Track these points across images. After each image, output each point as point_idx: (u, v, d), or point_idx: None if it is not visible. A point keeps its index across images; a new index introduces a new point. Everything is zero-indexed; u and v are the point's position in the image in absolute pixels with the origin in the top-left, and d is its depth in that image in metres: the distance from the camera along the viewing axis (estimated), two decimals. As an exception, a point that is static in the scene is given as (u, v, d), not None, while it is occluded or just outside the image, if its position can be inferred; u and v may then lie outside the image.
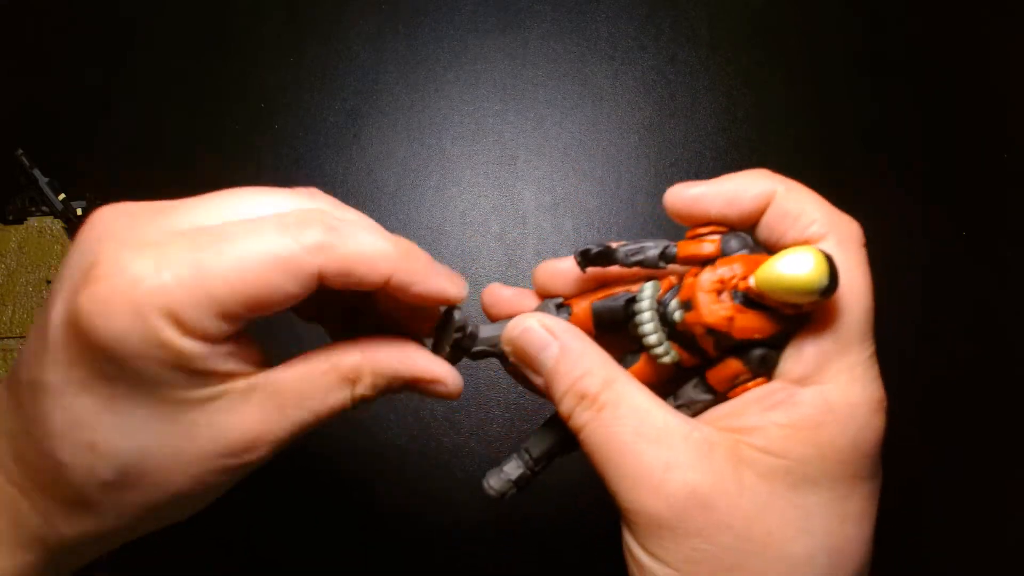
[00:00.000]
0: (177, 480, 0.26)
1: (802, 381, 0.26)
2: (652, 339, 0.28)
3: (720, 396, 0.28)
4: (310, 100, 0.58)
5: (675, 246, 0.28)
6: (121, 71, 0.59)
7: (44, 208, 0.56)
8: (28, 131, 0.57)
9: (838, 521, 0.26)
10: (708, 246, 0.27)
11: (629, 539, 0.27)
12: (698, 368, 0.28)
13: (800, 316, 0.26)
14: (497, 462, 0.32)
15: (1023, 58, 0.59)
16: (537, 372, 0.29)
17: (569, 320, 0.31)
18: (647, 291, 0.28)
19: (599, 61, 0.60)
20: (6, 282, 0.55)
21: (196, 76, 0.59)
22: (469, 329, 0.31)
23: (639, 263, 0.29)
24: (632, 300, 0.29)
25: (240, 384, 0.26)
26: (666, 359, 0.28)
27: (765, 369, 0.27)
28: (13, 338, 0.54)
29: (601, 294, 0.31)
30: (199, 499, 0.27)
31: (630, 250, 0.29)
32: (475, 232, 0.56)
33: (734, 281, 0.26)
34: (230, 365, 0.25)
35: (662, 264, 0.29)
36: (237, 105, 0.58)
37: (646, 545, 0.26)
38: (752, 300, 0.26)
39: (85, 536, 0.26)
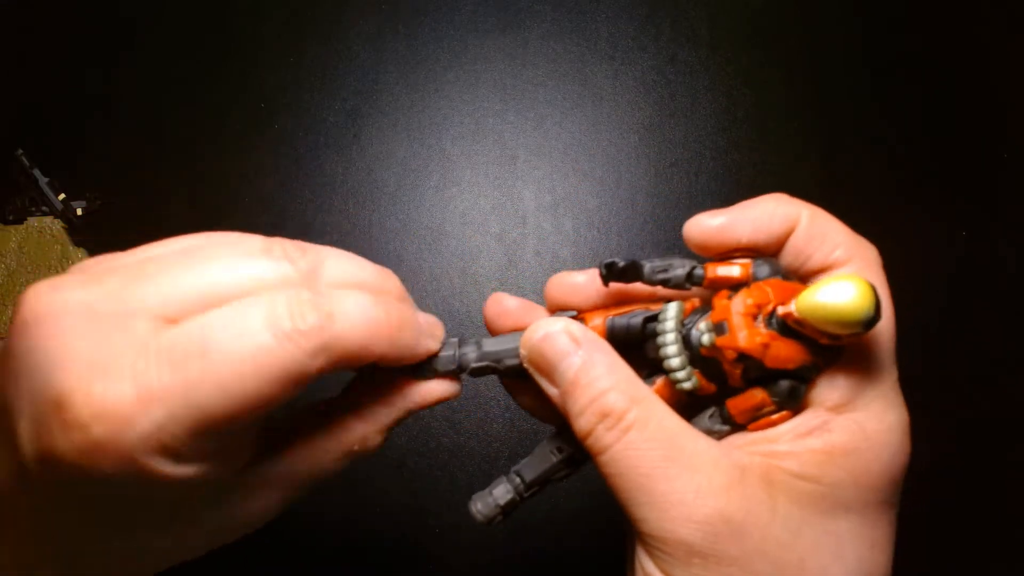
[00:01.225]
0: (174, 558, 0.26)
1: (837, 409, 0.26)
2: (675, 362, 0.26)
3: (738, 427, 0.27)
4: (310, 100, 0.58)
5: (702, 268, 0.27)
6: (121, 71, 0.59)
7: (44, 208, 0.56)
8: (28, 131, 0.57)
9: (868, 547, 0.26)
10: (737, 270, 0.26)
11: (649, 564, 0.26)
12: (714, 397, 0.27)
13: (835, 348, 0.25)
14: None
15: (1023, 58, 0.59)
16: (554, 383, 0.27)
17: None
18: (671, 311, 0.27)
19: (599, 61, 0.60)
20: (6, 282, 0.55)
21: (196, 76, 0.59)
22: (463, 352, 0.29)
23: (664, 282, 0.27)
24: (651, 319, 0.28)
25: (247, 476, 0.25)
26: (687, 385, 0.27)
27: (792, 402, 0.26)
28: (13, 338, 0.54)
29: (616, 311, 0.29)
30: (200, 552, 0.28)
31: (656, 267, 0.27)
32: (475, 232, 0.56)
33: (770, 307, 0.25)
34: (230, 465, 0.24)
35: (688, 285, 0.27)
36: (237, 105, 0.58)
37: (672, 572, 0.25)
38: (788, 328, 0.25)
39: None
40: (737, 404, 0.26)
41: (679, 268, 0.27)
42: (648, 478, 0.25)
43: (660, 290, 0.29)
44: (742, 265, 0.26)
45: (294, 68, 0.59)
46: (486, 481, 0.31)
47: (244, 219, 0.56)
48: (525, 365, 0.28)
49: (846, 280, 0.23)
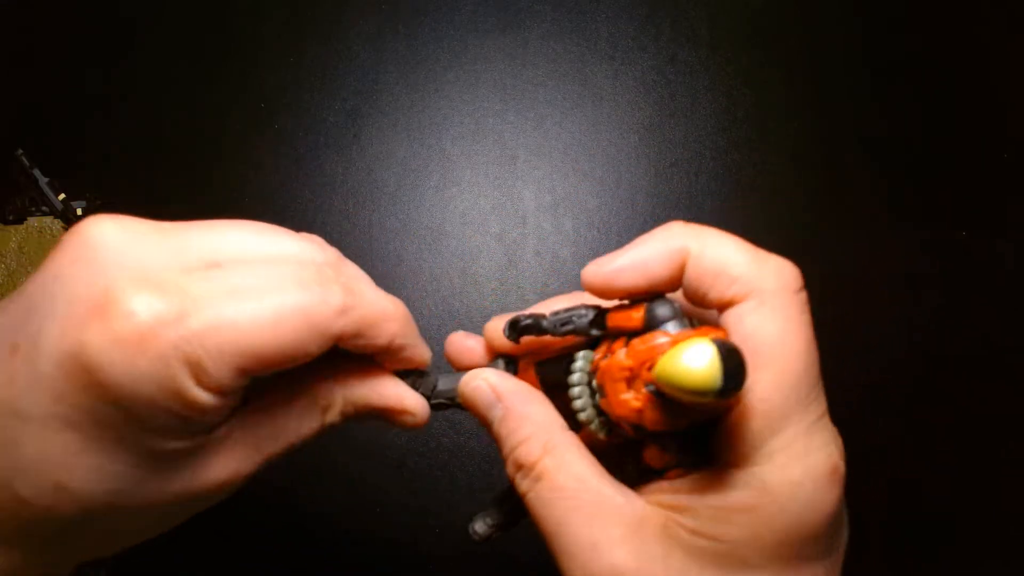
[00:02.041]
0: (141, 520, 0.25)
1: (735, 463, 0.24)
2: (583, 416, 0.26)
3: (657, 472, 0.26)
4: (310, 100, 0.58)
5: (604, 317, 0.26)
6: (121, 71, 0.59)
7: (44, 208, 0.56)
8: (28, 131, 0.57)
9: None
10: (633, 317, 0.25)
11: None
12: (639, 441, 0.26)
13: (715, 412, 0.24)
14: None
15: (1023, 58, 0.59)
16: (488, 428, 0.29)
17: (517, 377, 0.29)
18: (578, 363, 0.27)
19: (599, 61, 0.60)
20: (6, 282, 0.55)
21: (196, 76, 0.59)
22: (431, 384, 0.30)
23: (570, 332, 0.27)
24: (573, 361, 0.27)
25: (219, 432, 0.25)
26: (600, 434, 0.26)
27: (688, 459, 0.25)
28: (13, 338, 0.54)
29: (546, 354, 0.29)
30: (166, 526, 0.27)
31: (560, 319, 0.27)
32: (475, 232, 0.56)
33: (643, 369, 0.23)
34: (224, 415, 0.24)
35: (595, 332, 0.26)
36: (237, 105, 0.58)
37: None
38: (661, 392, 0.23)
39: (32, 563, 0.25)
40: (648, 453, 0.26)
41: (583, 317, 0.26)
42: (558, 526, 0.25)
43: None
44: (636, 312, 0.25)
45: (294, 68, 0.59)
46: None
47: (244, 219, 0.56)
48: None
49: (693, 344, 0.21)
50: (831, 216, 0.56)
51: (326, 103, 0.58)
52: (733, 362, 0.20)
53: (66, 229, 0.55)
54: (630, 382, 0.24)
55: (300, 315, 0.23)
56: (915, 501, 0.51)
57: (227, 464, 0.25)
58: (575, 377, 0.27)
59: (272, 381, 0.27)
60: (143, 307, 0.21)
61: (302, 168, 0.57)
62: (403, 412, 0.29)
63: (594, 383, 0.26)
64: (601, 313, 0.26)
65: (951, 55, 0.60)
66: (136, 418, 0.22)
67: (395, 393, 0.29)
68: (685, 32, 0.60)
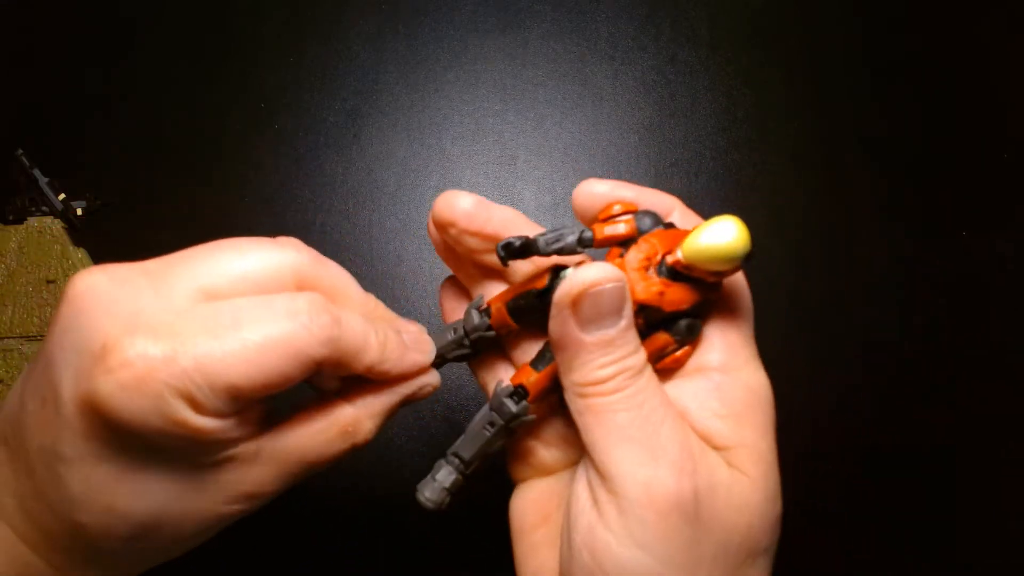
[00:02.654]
0: (187, 528, 0.28)
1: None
2: None
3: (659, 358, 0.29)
4: (310, 100, 0.58)
5: (590, 230, 0.29)
6: (121, 71, 0.59)
7: (44, 208, 0.56)
8: (28, 131, 0.57)
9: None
10: (623, 227, 0.29)
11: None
12: None
13: (719, 284, 0.28)
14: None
15: (1023, 58, 0.59)
16: (593, 328, 0.27)
17: (490, 322, 0.32)
18: (570, 270, 0.30)
19: (599, 61, 0.60)
20: (6, 282, 0.55)
21: (196, 76, 0.59)
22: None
23: (559, 251, 0.29)
24: (546, 292, 0.30)
25: (249, 448, 0.27)
26: None
27: (691, 337, 0.29)
28: (13, 338, 0.54)
29: (511, 294, 0.32)
30: (202, 538, 0.29)
31: (549, 239, 0.29)
32: (475, 232, 0.56)
33: (658, 258, 0.28)
34: (238, 432, 0.27)
35: (580, 249, 0.29)
36: (237, 105, 0.58)
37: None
38: (677, 273, 0.27)
39: None
40: (655, 338, 0.29)
41: (570, 235, 0.29)
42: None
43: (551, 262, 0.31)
44: (627, 222, 0.29)
45: (294, 68, 0.59)
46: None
47: (244, 219, 0.56)
48: (561, 303, 0.27)
49: (720, 221, 0.26)
50: (831, 216, 0.56)
51: (326, 103, 0.58)
52: (749, 233, 0.26)
53: (66, 229, 0.55)
54: (647, 271, 0.28)
55: (285, 347, 0.26)
56: (915, 501, 0.51)
57: (256, 478, 0.28)
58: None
59: (300, 401, 0.30)
60: (137, 353, 0.24)
61: (302, 168, 0.57)
62: (422, 389, 0.31)
63: None
64: (584, 233, 0.29)
65: (951, 55, 0.60)
66: (154, 445, 0.25)
67: (408, 385, 0.31)
68: (685, 32, 0.60)
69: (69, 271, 0.54)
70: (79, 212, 0.55)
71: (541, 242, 0.29)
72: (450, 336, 0.33)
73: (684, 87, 0.59)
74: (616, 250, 0.29)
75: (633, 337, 0.28)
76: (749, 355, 0.30)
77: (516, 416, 0.30)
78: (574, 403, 0.28)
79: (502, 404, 0.31)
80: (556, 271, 0.30)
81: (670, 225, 0.29)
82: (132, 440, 0.25)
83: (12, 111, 0.58)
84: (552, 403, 0.32)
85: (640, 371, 0.28)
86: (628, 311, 0.27)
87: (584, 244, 0.29)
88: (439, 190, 0.56)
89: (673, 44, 0.60)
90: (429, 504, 0.31)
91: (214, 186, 0.57)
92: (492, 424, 0.31)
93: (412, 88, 0.59)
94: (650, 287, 0.27)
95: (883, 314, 0.54)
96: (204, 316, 0.25)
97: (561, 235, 0.29)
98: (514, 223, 0.31)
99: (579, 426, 0.28)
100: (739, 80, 0.59)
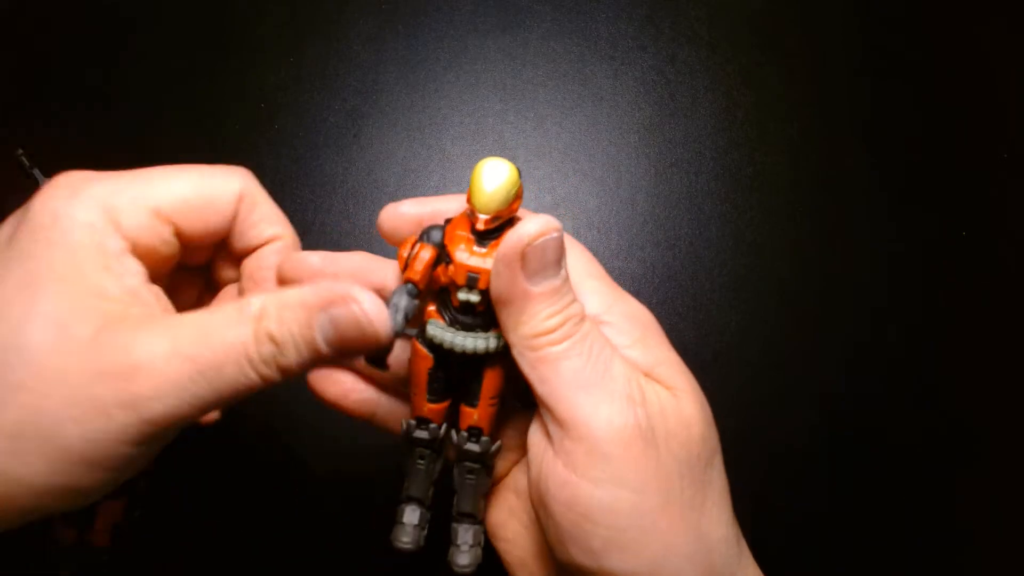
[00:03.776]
0: (71, 410, 0.25)
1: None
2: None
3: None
4: (310, 100, 0.58)
5: (410, 281, 0.30)
6: (120, 71, 0.59)
7: (44, 208, 0.55)
8: (28, 131, 0.57)
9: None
10: (426, 252, 0.30)
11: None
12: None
13: (514, 214, 0.30)
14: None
15: (1023, 58, 0.59)
16: (540, 279, 0.28)
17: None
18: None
19: (599, 61, 0.60)
20: (6, 282, 0.54)
21: (195, 76, 0.59)
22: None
23: (405, 318, 0.30)
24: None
25: (146, 312, 0.28)
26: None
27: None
28: (13, 338, 0.53)
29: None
30: (104, 461, 0.26)
31: (395, 321, 0.29)
32: (475, 232, 0.56)
33: (471, 235, 0.30)
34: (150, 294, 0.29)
35: (415, 300, 0.30)
36: (237, 105, 0.58)
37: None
38: (490, 231, 0.29)
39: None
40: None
41: (400, 298, 0.30)
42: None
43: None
44: (422, 247, 0.30)
45: (294, 68, 0.59)
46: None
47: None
48: (509, 258, 0.28)
49: (490, 162, 0.29)
50: (831, 216, 0.56)
51: (326, 103, 0.58)
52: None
53: (66, 229, 0.55)
54: (478, 251, 0.29)
55: (198, 184, 0.34)
56: (915, 501, 0.51)
57: (154, 347, 0.26)
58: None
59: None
60: (75, 177, 0.35)
61: (302, 168, 0.57)
62: (347, 300, 0.27)
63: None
64: (407, 285, 0.30)
65: (951, 55, 0.60)
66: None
67: (331, 285, 0.27)
68: (685, 32, 0.60)
69: (69, 271, 0.54)
70: (79, 212, 0.55)
71: (393, 329, 0.28)
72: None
73: (684, 87, 0.59)
74: (441, 268, 0.30)
75: (571, 286, 0.29)
76: (614, 290, 0.32)
77: (487, 452, 0.32)
78: (525, 357, 0.29)
79: (468, 451, 0.32)
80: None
81: (448, 220, 0.31)
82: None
83: (12, 111, 0.58)
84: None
85: (583, 317, 0.29)
86: (566, 260, 0.29)
87: (414, 293, 0.30)
88: (439, 190, 0.57)
89: (673, 44, 0.60)
90: (411, 546, 0.36)
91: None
92: (472, 472, 0.33)
93: (412, 88, 0.59)
94: (489, 255, 0.29)
95: (883, 314, 0.54)
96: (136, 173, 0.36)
97: (395, 305, 0.29)
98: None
99: (532, 380, 0.29)
100: (739, 80, 0.59)
